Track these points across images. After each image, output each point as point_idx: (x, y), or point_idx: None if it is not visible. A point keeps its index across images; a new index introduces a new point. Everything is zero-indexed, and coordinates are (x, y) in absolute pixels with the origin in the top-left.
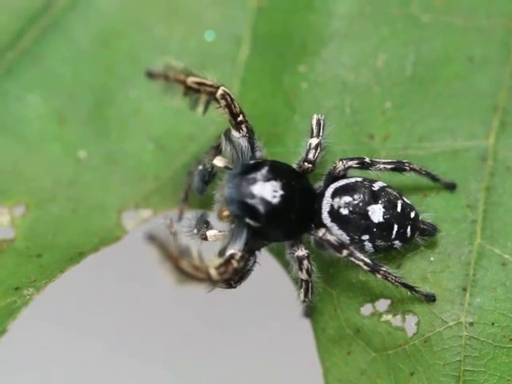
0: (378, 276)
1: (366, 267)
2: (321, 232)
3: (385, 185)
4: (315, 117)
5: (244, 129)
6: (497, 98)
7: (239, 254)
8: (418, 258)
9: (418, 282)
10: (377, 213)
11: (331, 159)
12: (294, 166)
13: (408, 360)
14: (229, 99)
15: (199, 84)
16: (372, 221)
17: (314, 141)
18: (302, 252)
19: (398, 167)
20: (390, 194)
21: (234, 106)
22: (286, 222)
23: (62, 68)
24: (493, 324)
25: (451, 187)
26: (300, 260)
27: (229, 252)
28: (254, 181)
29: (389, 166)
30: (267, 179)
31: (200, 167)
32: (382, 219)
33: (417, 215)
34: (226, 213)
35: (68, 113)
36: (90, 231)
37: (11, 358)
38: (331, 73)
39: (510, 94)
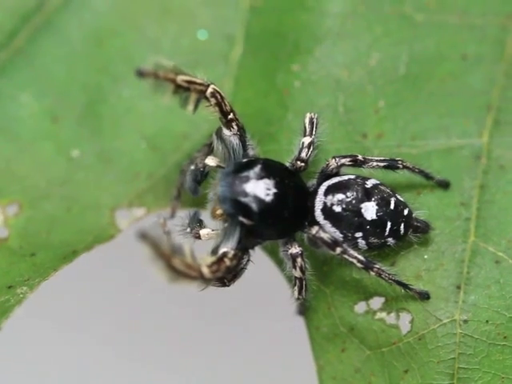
0: (372, 273)
1: (359, 264)
2: (314, 230)
3: (378, 182)
4: (308, 115)
5: (235, 127)
6: (490, 96)
7: (232, 252)
8: (412, 255)
9: (411, 280)
10: (370, 210)
11: (324, 158)
12: (287, 164)
13: (402, 358)
14: (219, 97)
15: (189, 82)
16: (365, 218)
17: (307, 139)
18: (295, 250)
19: (391, 165)
20: (383, 192)
21: (225, 104)
22: (280, 220)
23: (55, 67)
24: (487, 322)
25: (445, 185)
26: (294, 258)
27: (221, 250)
28: (247, 179)
29: (382, 164)
30: (260, 177)
31: (192, 167)
32: (375, 216)
33: (410, 212)
34: (219, 211)
35: (61, 112)
36: (84, 230)
37: (4, 356)
38: (324, 71)
39: (503, 92)
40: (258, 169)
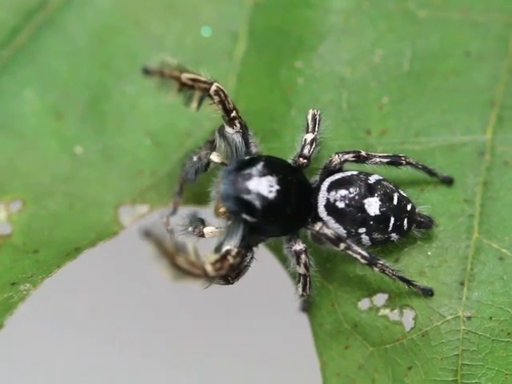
0: (376, 269)
1: (363, 260)
2: (317, 226)
3: (381, 178)
4: (311, 112)
5: (237, 124)
6: (494, 92)
7: (235, 249)
8: (416, 252)
9: (415, 277)
10: (373, 206)
11: (328, 154)
12: (290, 161)
13: (406, 354)
14: (222, 95)
15: (193, 80)
16: (368, 214)
17: (309, 136)
18: (299, 246)
19: (394, 161)
20: (386, 187)
21: (228, 102)
22: (283, 217)
23: (58, 64)
24: (490, 318)
25: (448, 182)
26: (298, 254)
27: (225, 248)
28: (250, 176)
29: (385, 160)
30: (263, 174)
31: (195, 158)
32: (378, 212)
33: (413, 208)
34: (222, 209)
35: (64, 109)
36: (87, 227)
37: (8, 353)
38: (328, 68)
39: (507, 88)
40: (260, 166)
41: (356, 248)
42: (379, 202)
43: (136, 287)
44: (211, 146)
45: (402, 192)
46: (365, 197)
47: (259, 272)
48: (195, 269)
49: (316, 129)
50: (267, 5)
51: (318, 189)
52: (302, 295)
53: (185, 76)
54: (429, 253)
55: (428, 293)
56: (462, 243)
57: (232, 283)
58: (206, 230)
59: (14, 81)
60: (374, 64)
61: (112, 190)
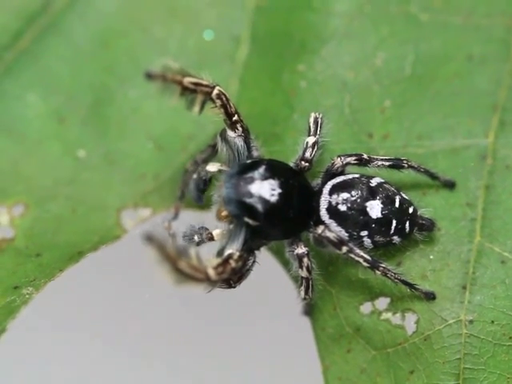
0: (378, 272)
1: (365, 263)
2: (320, 229)
3: (382, 181)
4: (313, 115)
5: (239, 128)
6: (496, 96)
7: (237, 253)
8: (418, 256)
9: (417, 280)
10: (375, 208)
11: (330, 158)
12: (292, 164)
13: (408, 358)
14: (224, 99)
15: (195, 84)
16: (370, 217)
17: (311, 139)
18: (301, 250)
19: (396, 164)
20: (388, 190)
21: (230, 106)
22: (285, 220)
23: (60, 67)
24: (492, 322)
25: (450, 185)
26: (300, 258)
27: (227, 252)
28: (252, 180)
29: (387, 163)
30: (265, 178)
31: (195, 176)
32: (380, 215)
33: (415, 210)
34: (224, 213)
35: (67, 112)
36: (90, 230)
37: (11, 357)
38: (330, 72)
39: (509, 92)
40: (262, 169)
41: (358, 251)
42: (381, 205)
43: (138, 291)
44: (212, 150)
45: (403, 195)
46: (367, 200)
47: (261, 275)
48: (197, 273)
49: (318, 132)
50: (269, 8)
51: (320, 192)
52: (305, 298)
53: (187, 80)
54: (431, 256)
55: (430, 296)
56: (464, 247)
57: (234, 287)
58: (215, 232)
59: (16, 84)
60: (376, 68)
61: (114, 194)
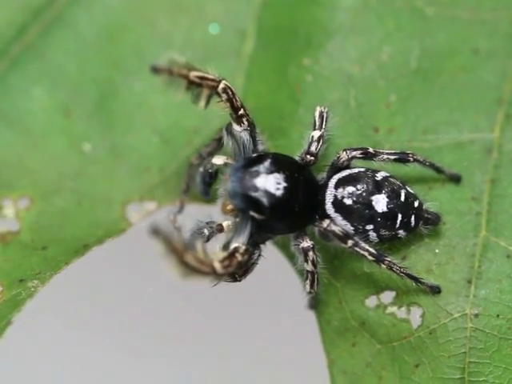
0: (383, 266)
1: (370, 257)
2: (325, 223)
3: (388, 175)
4: (318, 109)
5: (245, 122)
6: (502, 90)
7: (243, 247)
8: (423, 250)
9: (422, 274)
10: (381, 202)
11: (336, 152)
12: (297, 158)
13: (413, 352)
14: (230, 93)
15: (201, 78)
16: (376, 210)
17: (317, 133)
18: (307, 243)
19: (402, 158)
20: (394, 184)
21: (236, 100)
22: (290, 214)
23: (66, 61)
24: (498, 316)
25: (456, 179)
26: (305, 251)
27: (233, 245)
28: (257, 174)
29: (392, 157)
30: (270, 172)
31: (201, 169)
32: (385, 209)
33: (420, 204)
34: (229, 207)
35: (73, 106)
36: (95, 224)
37: (16, 349)
38: (336, 66)
39: None
40: (267, 163)
41: (363, 245)
42: (387, 199)
43: (143, 284)
44: (218, 143)
45: (409, 189)
46: (372, 194)
47: (267, 269)
48: (204, 266)
49: (323, 126)
50: (275, 2)
51: (326, 186)
52: (310, 292)
53: (193, 74)
54: (436, 250)
55: (435, 290)
56: (469, 241)
57: (239, 280)
58: (225, 223)
59: (22, 78)
60: (381, 62)
61: (120, 187)
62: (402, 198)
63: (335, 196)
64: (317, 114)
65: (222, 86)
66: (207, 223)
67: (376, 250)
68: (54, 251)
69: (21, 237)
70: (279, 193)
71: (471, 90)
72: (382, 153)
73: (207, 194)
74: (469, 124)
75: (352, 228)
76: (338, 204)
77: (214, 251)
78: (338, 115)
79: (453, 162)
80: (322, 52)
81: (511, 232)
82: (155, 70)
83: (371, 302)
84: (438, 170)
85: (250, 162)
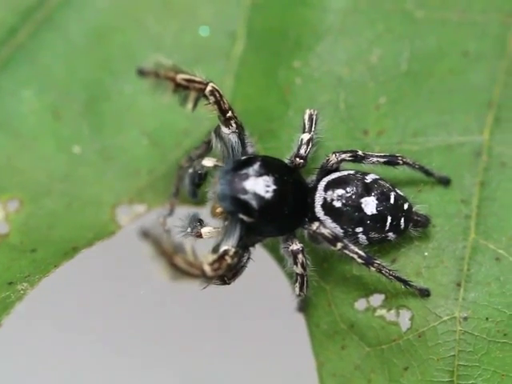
0: (372, 269)
1: (360, 260)
2: (314, 225)
3: (377, 177)
4: (308, 112)
5: (233, 125)
6: (491, 93)
7: (233, 250)
8: (412, 252)
9: (412, 277)
10: (370, 205)
11: (325, 154)
12: (286, 161)
13: (402, 355)
14: (218, 95)
15: (188, 81)
16: (365, 213)
17: (306, 136)
18: (296, 246)
19: (391, 161)
20: (383, 186)
21: (223, 103)
22: (280, 217)
23: (56, 63)
24: (487, 319)
25: (445, 182)
26: (295, 254)
27: (222, 248)
28: (246, 176)
29: (382, 160)
30: (259, 174)
31: (190, 171)
32: (375, 211)
33: (410, 207)
34: (219, 209)
35: (62, 108)
36: (84, 226)
37: (5, 352)
38: (326, 68)
39: (504, 89)
40: (257, 166)
41: (353, 247)
42: (376, 202)
43: (133, 287)
44: (207, 146)
45: (398, 191)
46: (362, 196)
47: (256, 272)
48: (193, 269)
49: (313, 129)
50: (265, 4)
51: (315, 188)
52: (299, 295)
53: (180, 77)
54: (425, 253)
55: (424, 293)
56: (458, 244)
57: (229, 283)
58: (204, 230)
59: (12, 80)
60: (371, 64)
61: (109, 190)
62: (392, 201)
63: (325, 199)
64: (306, 116)
65: (209, 88)
66: (196, 221)
67: (365, 253)
68: (43, 254)
69: (10, 239)
70: (268, 195)
71: (461, 93)
72: (372, 155)
73: (195, 195)
74: (458, 126)
75: (341, 231)
76: (328, 207)
77: (204, 254)
78: (327, 118)
79: (442, 165)
80: (311, 54)
81: (500, 235)
82: (142, 72)
83: (360, 304)
84: (428, 172)
85: (239, 165)
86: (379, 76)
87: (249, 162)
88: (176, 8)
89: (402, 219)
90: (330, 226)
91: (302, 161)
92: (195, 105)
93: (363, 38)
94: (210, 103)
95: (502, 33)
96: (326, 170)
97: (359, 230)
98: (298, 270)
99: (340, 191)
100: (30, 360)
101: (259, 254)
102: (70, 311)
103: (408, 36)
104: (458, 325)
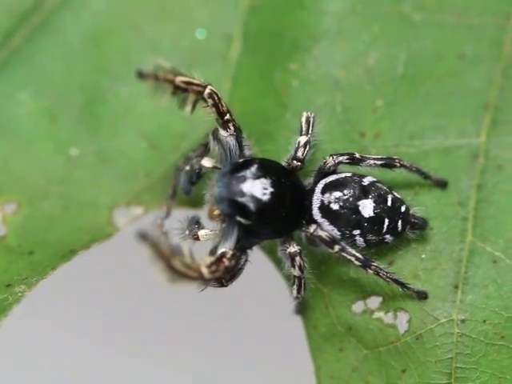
0: (370, 271)
1: (357, 262)
2: (312, 228)
3: (374, 180)
4: (305, 114)
5: (231, 127)
6: (488, 95)
7: (230, 252)
8: (410, 255)
9: (409, 280)
10: (367, 207)
11: (322, 157)
12: (284, 163)
13: (400, 357)
14: (216, 98)
15: (187, 83)
16: (363, 215)
17: (303, 139)
18: (293, 248)
19: (388, 163)
20: (380, 189)
21: (221, 105)
22: (277, 219)
23: (53, 66)
24: (484, 321)
25: (442, 185)
26: (292, 256)
27: (220, 250)
28: (244, 179)
29: (379, 162)
30: (257, 177)
31: (188, 168)
32: (372, 214)
33: (407, 209)
34: (216, 212)
35: (59, 111)
36: (82, 228)
37: (2, 354)
38: (322, 71)
39: (501, 91)
40: (254, 168)
41: (350, 250)
42: (373, 204)
43: (131, 289)
44: (205, 149)
45: (395, 194)
46: (359, 199)
47: (253, 275)
48: (191, 271)
49: (310, 131)
50: (262, 7)
51: (312, 191)
52: (297, 297)
53: (178, 79)
54: (423, 256)
55: (422, 296)
56: (455, 246)
57: (226, 286)
58: (201, 232)
59: (9, 83)
60: (368, 67)
61: (107, 192)
62: (389, 203)
63: (322, 201)
64: (303, 119)
65: (207, 91)
66: (194, 223)
67: (363, 255)
68: (40, 256)
69: (7, 241)
70: (266, 198)
71: (458, 95)
72: (369, 158)
73: (189, 193)
74: (455, 129)
75: (339, 233)
76: (325, 209)
77: (202, 256)
78: (324, 120)
79: (439, 167)
80: (308, 57)
81: (497, 237)
82: (141, 75)
83: (358, 307)
84: (425, 175)
85: (236, 167)
86: (376, 79)
87: (246, 164)
88: (172, 11)
89: (400, 221)
90: (327, 229)
91: (299, 163)
92: (193, 107)
93: (360, 41)
94: (208, 106)
95: (498, 35)
96: (323, 173)
97: (356, 232)
98: (296, 272)
99: (337, 194)
100: (28, 362)
101: (257, 256)
102: (67, 313)
103: (405, 39)
104: (456, 327)
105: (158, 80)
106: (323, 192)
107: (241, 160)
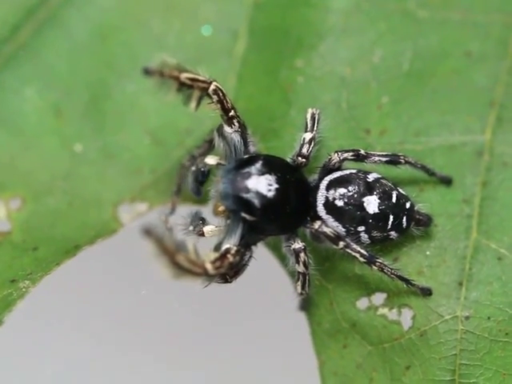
0: (374, 268)
1: (362, 259)
2: (317, 224)
3: (379, 176)
4: (310, 111)
5: (236, 124)
6: (494, 93)
7: (235, 248)
8: (414, 252)
9: (414, 276)
10: (372, 204)
11: (327, 153)
12: (289, 160)
13: (404, 354)
14: (221, 95)
15: (192, 80)
16: (367, 212)
17: (308, 135)
18: (298, 245)
19: (393, 160)
20: (385, 185)
21: (226, 102)
22: (282, 216)
23: (59, 62)
24: (489, 318)
25: (447, 182)
26: (297, 253)
27: (224, 247)
28: (249, 175)
29: (384, 159)
30: (262, 173)
31: (193, 168)
32: (377, 210)
33: (412, 205)
34: (221, 208)
35: (65, 106)
36: (86, 224)
37: (6, 349)
38: (328, 67)
39: (506, 89)
40: (259, 165)
41: (355, 246)
42: (378, 200)
43: (135, 285)
44: (209, 145)
45: (400, 190)
46: (364, 195)
47: (258, 271)
48: (195, 267)
49: (315, 128)
50: (267, 4)
51: (317, 187)
52: (301, 294)
53: (184, 76)
54: (427, 252)
55: (426, 292)
56: (460, 243)
57: (230, 282)
58: (206, 228)
59: (15, 78)
60: (373, 64)
61: (111, 188)
62: (394, 200)
63: (327, 197)
64: (308, 115)
65: (212, 87)
66: (199, 219)
67: (367, 252)
68: (45, 252)
69: (12, 237)
70: (271, 194)
71: (463, 93)
72: (374, 155)
73: (199, 193)
74: (460, 126)
75: (343, 229)
76: (330, 205)
77: (206, 252)
78: (329, 117)
79: (444, 164)
80: (313, 53)
81: (502, 234)
82: (147, 71)
83: (362, 303)
84: (430, 172)
85: (241, 164)
86: (381, 76)
87: (251, 160)
88: (178, 7)
89: (404, 218)
90: (332, 225)
91: (304, 160)
92: (198, 104)
93: (365, 38)
94: (213, 102)
95: (504, 33)
96: (328, 169)
97: (361, 228)
98: (300, 268)
99: (342, 190)
100: (32, 357)
101: (261, 252)
102: (71, 309)
103: (410, 36)
104: (460, 324)
105: (163, 76)
106: (328, 188)
107: (246, 156)
